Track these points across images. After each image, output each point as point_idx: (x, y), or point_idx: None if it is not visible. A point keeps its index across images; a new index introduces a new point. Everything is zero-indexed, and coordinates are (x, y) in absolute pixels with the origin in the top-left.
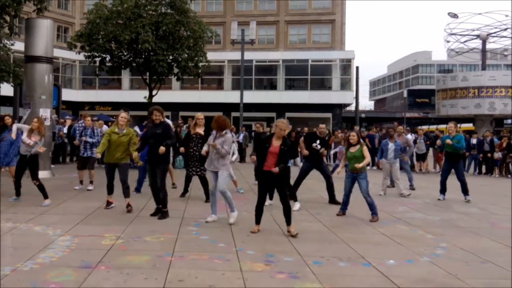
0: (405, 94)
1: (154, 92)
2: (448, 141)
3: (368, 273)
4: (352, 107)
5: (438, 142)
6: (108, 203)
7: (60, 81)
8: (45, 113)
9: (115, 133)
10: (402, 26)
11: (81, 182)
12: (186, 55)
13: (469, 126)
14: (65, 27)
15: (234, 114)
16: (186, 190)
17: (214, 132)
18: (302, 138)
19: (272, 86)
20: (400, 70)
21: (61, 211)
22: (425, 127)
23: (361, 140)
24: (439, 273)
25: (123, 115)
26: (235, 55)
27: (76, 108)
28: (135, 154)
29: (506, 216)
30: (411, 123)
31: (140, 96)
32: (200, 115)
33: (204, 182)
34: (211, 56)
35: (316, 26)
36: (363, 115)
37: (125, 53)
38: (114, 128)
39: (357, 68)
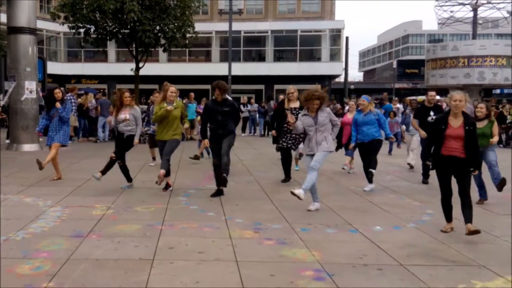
0: (395, 65)
1: (140, 65)
2: None
3: (355, 239)
4: (341, 79)
5: None
6: (167, 186)
7: (45, 54)
8: (31, 85)
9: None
10: None
11: (153, 158)
12: (173, 26)
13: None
14: None
15: None
16: (288, 174)
17: (304, 112)
18: (412, 118)
19: (261, 57)
20: (390, 40)
21: (52, 183)
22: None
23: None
24: (425, 238)
25: (173, 89)
26: (223, 26)
27: (62, 81)
28: (187, 125)
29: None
30: (400, 93)
31: (127, 69)
32: (291, 88)
33: (289, 160)
34: (199, 27)
35: None
36: (352, 87)
37: (110, 24)
38: (162, 104)
39: (346, 38)
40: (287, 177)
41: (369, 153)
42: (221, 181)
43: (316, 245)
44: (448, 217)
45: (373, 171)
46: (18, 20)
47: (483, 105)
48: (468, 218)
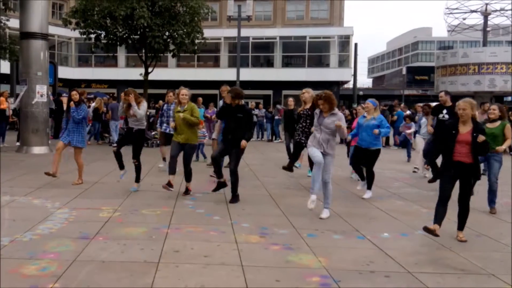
0: (404, 71)
1: (149, 70)
2: None
3: (362, 245)
4: (350, 85)
5: None
6: (169, 184)
7: (56, 59)
8: (42, 89)
9: (178, 112)
10: (402, 1)
11: (164, 159)
12: (182, 32)
13: None
14: (60, 4)
15: None
16: (292, 162)
17: (318, 111)
18: (430, 115)
19: (269, 63)
20: (399, 47)
21: (59, 185)
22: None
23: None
24: (433, 246)
25: (184, 92)
26: (232, 32)
27: (72, 85)
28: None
29: (502, 192)
30: (409, 100)
31: (136, 73)
32: (304, 90)
33: (298, 154)
34: (208, 33)
35: (314, 1)
36: (361, 93)
37: (120, 30)
38: (176, 107)
39: (355, 45)
40: (290, 163)
41: (364, 160)
42: (232, 201)
43: (322, 251)
44: (438, 220)
45: (366, 196)
46: (31, 25)
47: (496, 106)
48: (461, 225)
